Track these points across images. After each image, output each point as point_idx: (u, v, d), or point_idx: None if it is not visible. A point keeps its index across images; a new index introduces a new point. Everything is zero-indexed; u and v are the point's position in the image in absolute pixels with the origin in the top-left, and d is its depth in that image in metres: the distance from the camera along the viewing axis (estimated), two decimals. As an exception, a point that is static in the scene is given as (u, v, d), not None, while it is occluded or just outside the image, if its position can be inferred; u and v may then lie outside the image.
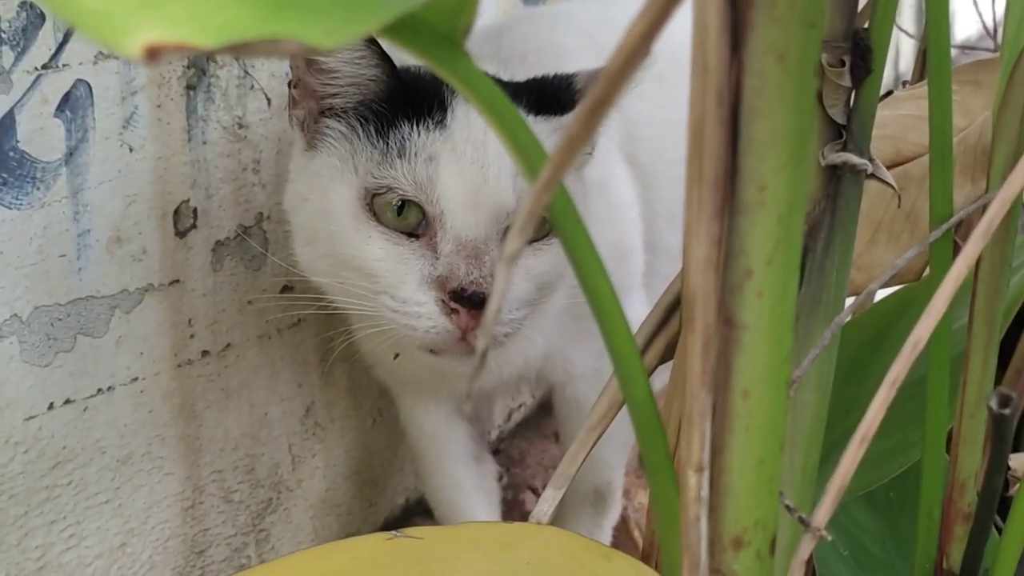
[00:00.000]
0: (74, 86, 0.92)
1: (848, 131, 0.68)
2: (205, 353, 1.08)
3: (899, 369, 0.60)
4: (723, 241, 0.54)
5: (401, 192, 0.94)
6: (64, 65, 0.91)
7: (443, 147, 0.94)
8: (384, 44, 0.94)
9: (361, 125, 0.96)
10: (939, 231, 0.67)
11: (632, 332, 0.59)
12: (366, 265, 0.95)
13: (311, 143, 0.98)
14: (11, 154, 0.88)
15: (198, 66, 1.02)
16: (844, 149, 0.68)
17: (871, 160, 0.68)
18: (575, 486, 1.33)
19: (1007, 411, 0.54)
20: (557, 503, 0.91)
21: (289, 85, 0.99)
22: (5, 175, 0.88)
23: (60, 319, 0.94)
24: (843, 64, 0.67)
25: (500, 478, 1.37)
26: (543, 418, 1.63)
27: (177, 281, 1.04)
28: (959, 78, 0.93)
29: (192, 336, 1.06)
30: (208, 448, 1.11)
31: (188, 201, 1.03)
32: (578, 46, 1.20)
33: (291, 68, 0.98)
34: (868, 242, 0.90)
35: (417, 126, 0.94)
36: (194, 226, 1.04)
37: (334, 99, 0.97)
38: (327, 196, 0.97)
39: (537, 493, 1.52)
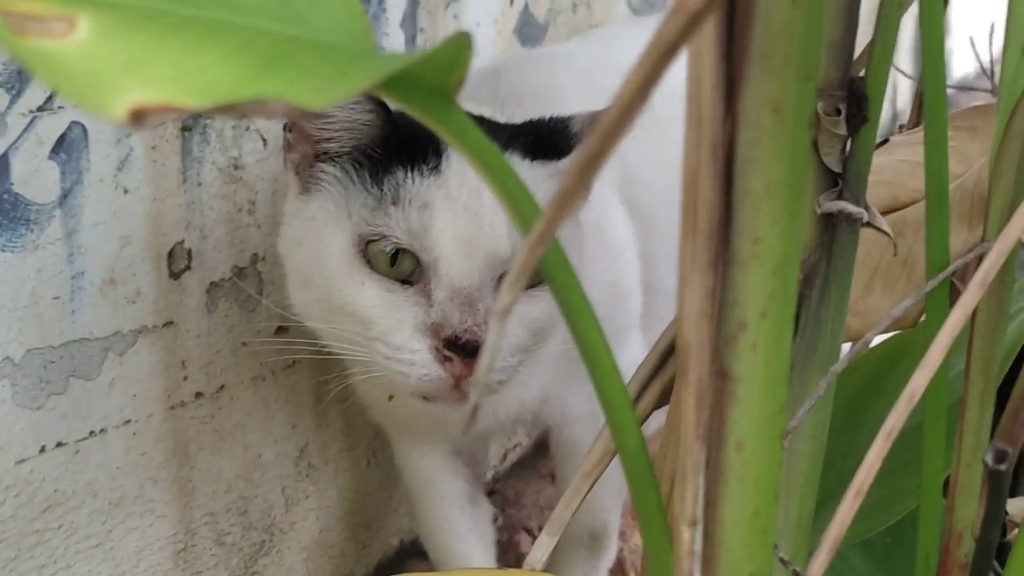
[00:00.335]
0: (69, 128, 0.92)
1: (844, 179, 0.68)
2: (199, 395, 1.08)
3: (895, 420, 0.59)
4: (717, 293, 0.54)
5: (395, 240, 0.93)
6: (59, 107, 0.91)
7: (437, 194, 0.93)
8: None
9: (356, 170, 0.95)
10: (936, 280, 0.66)
11: (626, 380, 0.59)
12: (359, 312, 0.95)
13: (306, 187, 0.98)
14: (5, 196, 0.88)
15: (194, 108, 1.01)
16: (840, 197, 0.68)
17: (867, 208, 0.68)
18: (570, 528, 1.32)
19: (1003, 467, 0.54)
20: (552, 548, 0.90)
21: (284, 128, 0.99)
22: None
23: (53, 361, 0.94)
24: (839, 112, 0.66)
25: (495, 520, 1.36)
26: (539, 458, 1.63)
27: (171, 323, 1.03)
28: (956, 124, 0.93)
29: (186, 378, 1.06)
30: (201, 490, 1.10)
31: (183, 242, 1.03)
32: (576, 87, 1.20)
33: None
34: (864, 289, 0.90)
35: (411, 172, 0.94)
36: (188, 267, 1.04)
37: (329, 144, 0.96)
38: (321, 241, 0.96)
39: (532, 534, 1.51)
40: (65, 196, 0.92)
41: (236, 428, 1.12)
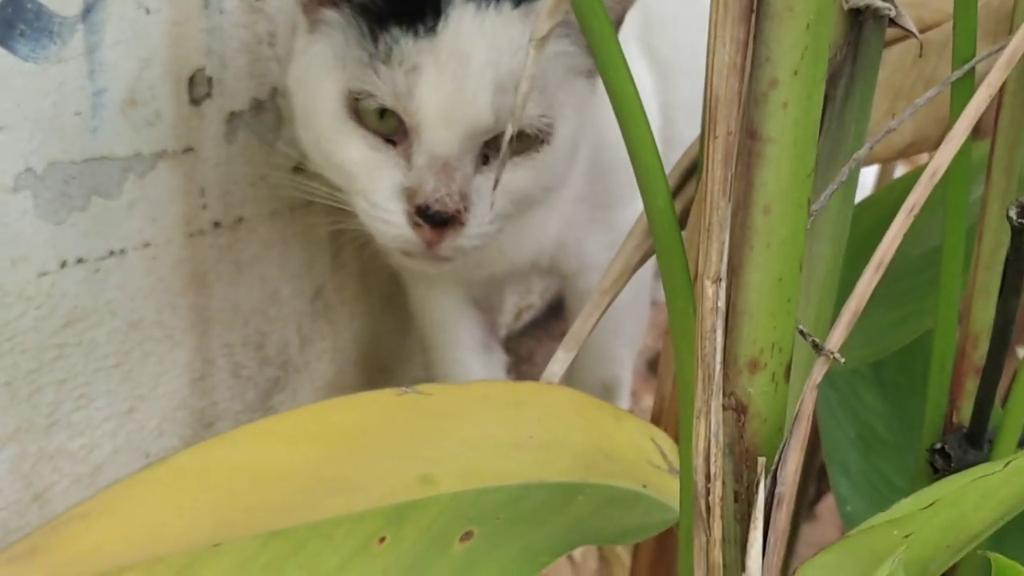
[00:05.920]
0: (91, -59, 0.92)
1: (872, -24, 0.67)
2: (217, 224, 1.08)
3: (917, 197, 0.60)
4: (748, 49, 0.54)
5: (380, 100, 0.94)
6: (81, -82, 0.91)
7: (427, 58, 0.93)
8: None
9: (356, 21, 0.96)
10: (960, 72, 0.66)
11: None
12: (344, 166, 0.97)
13: (312, 27, 0.99)
14: (29, 5, 0.88)
15: (215, -69, 1.01)
16: (867, -7, 0.68)
17: (895, 5, 0.68)
18: (583, 379, 1.34)
19: (1029, 221, 0.54)
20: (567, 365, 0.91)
21: None
22: (23, 26, 0.88)
23: (74, 177, 0.94)
24: (869, -97, 0.66)
25: (508, 370, 1.37)
26: (552, 320, 1.64)
27: (191, 149, 1.03)
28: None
29: (205, 206, 1.06)
30: (218, 320, 1.11)
31: (203, 69, 1.03)
32: None
33: None
34: (886, 111, 0.90)
35: (407, 32, 0.93)
36: (208, 95, 1.04)
37: None
38: (317, 87, 0.98)
39: (544, 390, 1.52)
40: (88, 10, 0.92)
41: (253, 261, 1.13)
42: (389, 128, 0.96)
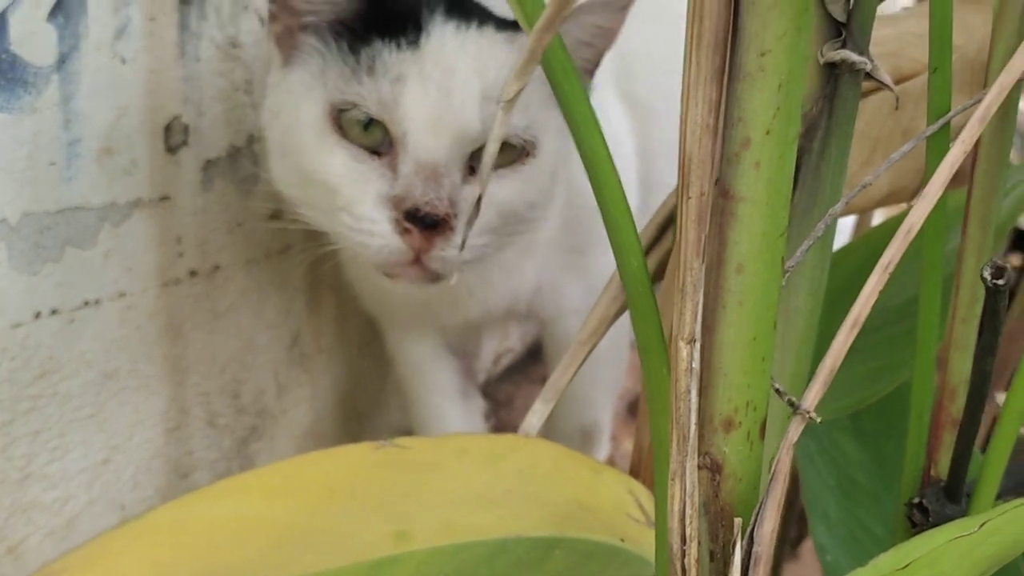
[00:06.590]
0: (66, -9, 0.92)
1: (848, 29, 0.67)
2: (193, 273, 1.07)
3: (893, 253, 0.59)
4: (720, 109, 0.54)
5: (365, 109, 0.94)
6: (57, -31, 0.90)
7: (411, 68, 0.93)
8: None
9: (335, 40, 0.96)
10: (936, 125, 0.66)
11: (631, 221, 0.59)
12: (327, 180, 0.95)
13: (287, 59, 0.99)
14: (3, 56, 0.87)
15: (192, -19, 1.01)
16: (843, 47, 0.68)
17: (870, 59, 0.68)
18: (562, 426, 1.33)
19: (1002, 282, 0.54)
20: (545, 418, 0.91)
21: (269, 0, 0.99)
22: (-4, 77, 0.87)
23: (49, 228, 0.93)
24: (843, -41, 0.66)
25: (487, 416, 1.37)
26: (531, 363, 1.63)
27: (167, 198, 1.03)
28: (958, -2, 0.93)
29: (181, 255, 1.06)
30: (194, 370, 1.10)
31: (180, 117, 1.03)
32: None
33: None
34: (864, 161, 0.90)
35: (389, 44, 0.94)
36: (185, 143, 1.04)
37: (310, 16, 0.97)
38: (297, 110, 0.97)
39: (524, 436, 1.52)
40: (63, 61, 0.92)
41: (230, 309, 1.12)
42: (374, 140, 0.95)
